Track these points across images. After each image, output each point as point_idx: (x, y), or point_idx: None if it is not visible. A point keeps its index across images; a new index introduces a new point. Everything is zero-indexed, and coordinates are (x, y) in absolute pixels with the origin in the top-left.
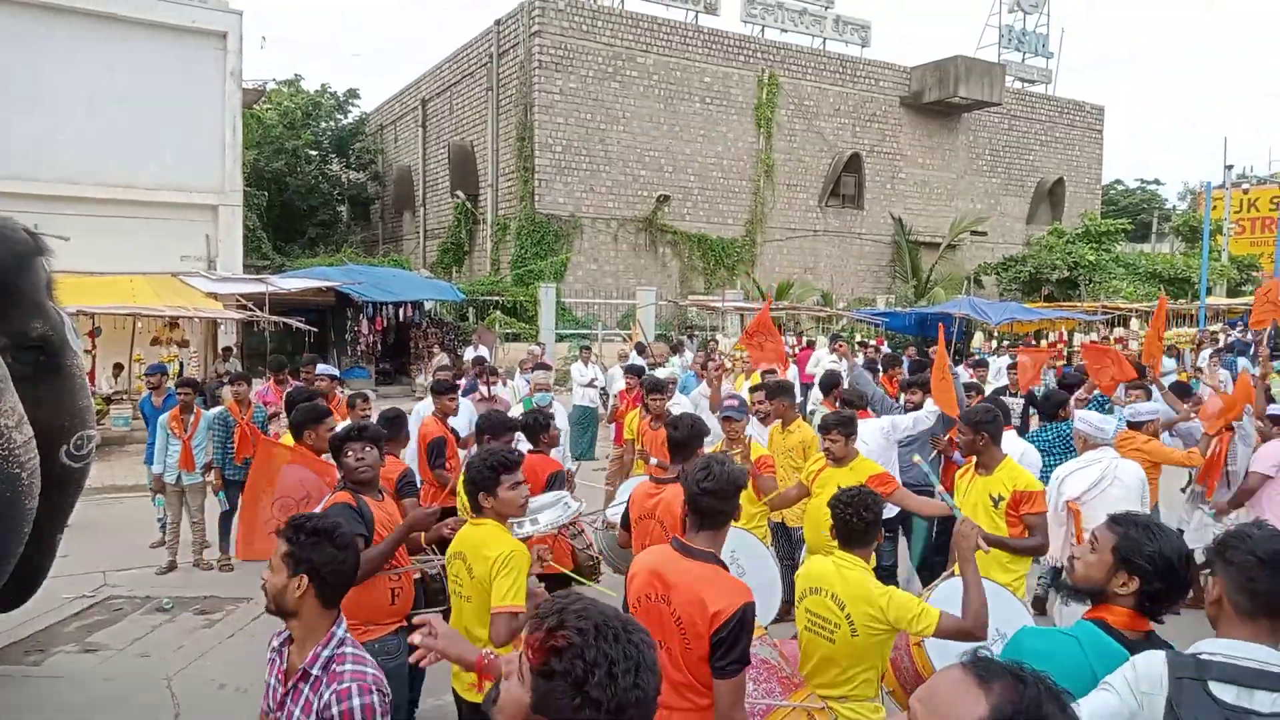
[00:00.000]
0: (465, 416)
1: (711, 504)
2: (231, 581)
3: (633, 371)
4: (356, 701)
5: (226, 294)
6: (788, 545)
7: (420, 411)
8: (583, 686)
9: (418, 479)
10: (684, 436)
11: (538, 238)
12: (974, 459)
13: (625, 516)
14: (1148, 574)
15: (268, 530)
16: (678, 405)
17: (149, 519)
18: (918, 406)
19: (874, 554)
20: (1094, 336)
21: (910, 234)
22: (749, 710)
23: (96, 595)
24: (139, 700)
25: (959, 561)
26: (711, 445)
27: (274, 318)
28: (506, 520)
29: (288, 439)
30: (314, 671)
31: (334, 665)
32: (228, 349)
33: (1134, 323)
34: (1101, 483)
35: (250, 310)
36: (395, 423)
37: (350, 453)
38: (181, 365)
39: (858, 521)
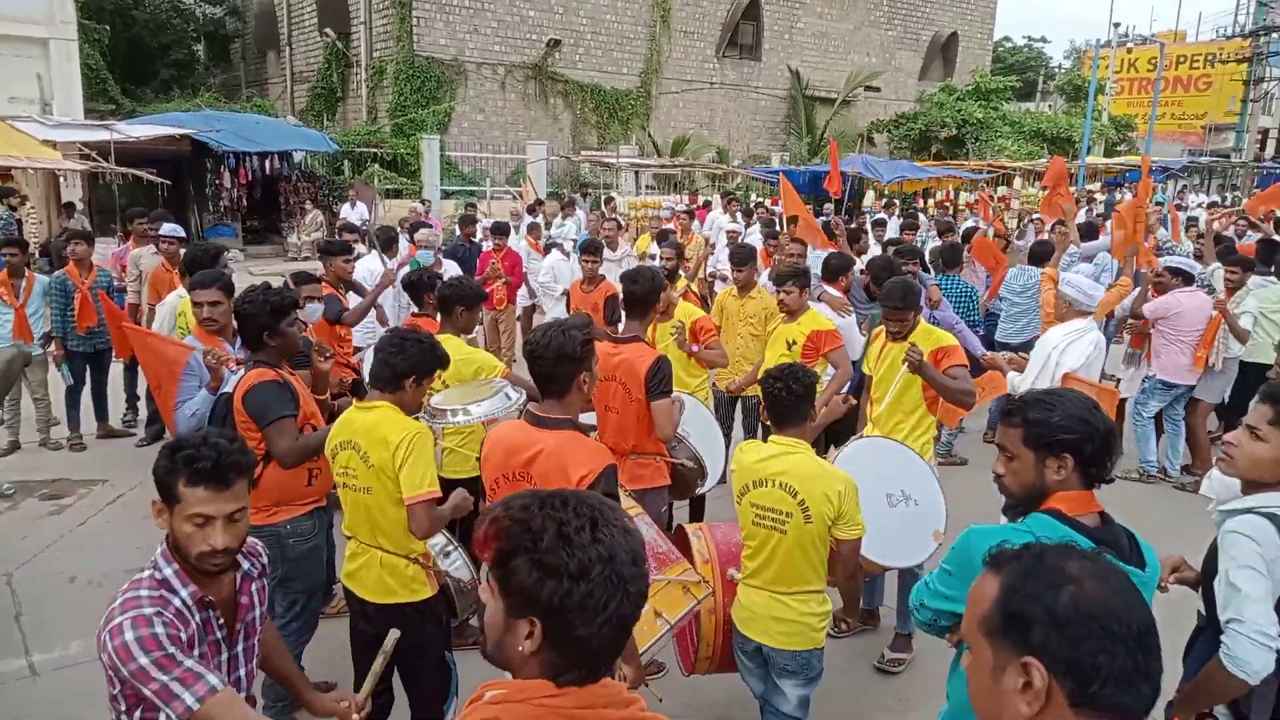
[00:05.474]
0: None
1: (541, 369)
2: (84, 462)
3: (497, 231)
4: None
5: (66, 142)
6: (729, 409)
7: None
8: (536, 556)
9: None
10: (644, 291)
11: (418, 84)
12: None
13: None
14: (1075, 443)
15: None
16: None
17: None
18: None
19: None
20: (977, 195)
21: (806, 88)
22: None
23: None
24: None
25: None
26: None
27: (122, 169)
28: (418, 412)
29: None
30: None
31: None
32: (70, 205)
33: (1017, 181)
34: (1092, 353)
35: (95, 161)
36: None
37: (293, 324)
38: (19, 223)
39: (787, 395)
